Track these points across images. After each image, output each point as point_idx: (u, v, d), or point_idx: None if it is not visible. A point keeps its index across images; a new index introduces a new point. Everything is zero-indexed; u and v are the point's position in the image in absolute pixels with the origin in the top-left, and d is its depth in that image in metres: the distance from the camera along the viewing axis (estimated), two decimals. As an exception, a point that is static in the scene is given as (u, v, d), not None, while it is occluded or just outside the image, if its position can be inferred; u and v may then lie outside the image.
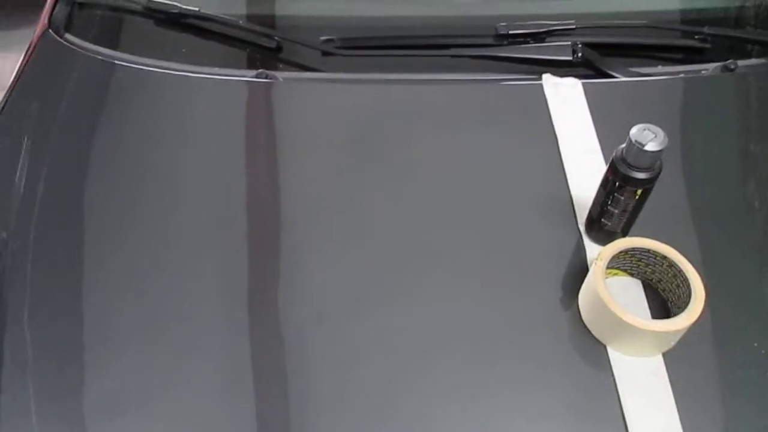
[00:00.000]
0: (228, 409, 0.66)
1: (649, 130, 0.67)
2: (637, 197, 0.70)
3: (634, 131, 0.67)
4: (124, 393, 0.66)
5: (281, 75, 0.95)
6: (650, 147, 0.66)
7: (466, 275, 0.75)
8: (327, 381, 0.68)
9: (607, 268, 0.70)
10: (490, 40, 0.98)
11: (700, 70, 0.97)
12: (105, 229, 0.79)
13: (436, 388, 0.67)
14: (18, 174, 0.83)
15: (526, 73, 0.95)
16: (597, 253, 0.71)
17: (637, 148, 0.66)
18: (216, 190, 0.83)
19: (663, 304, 0.73)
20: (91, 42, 0.99)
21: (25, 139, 0.88)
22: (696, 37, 1.02)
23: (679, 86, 0.96)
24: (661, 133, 0.66)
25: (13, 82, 0.97)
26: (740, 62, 0.97)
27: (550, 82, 0.92)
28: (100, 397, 0.66)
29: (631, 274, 0.75)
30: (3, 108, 0.93)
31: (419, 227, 0.79)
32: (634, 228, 0.75)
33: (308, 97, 0.93)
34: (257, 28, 1.00)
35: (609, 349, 0.69)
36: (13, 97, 0.94)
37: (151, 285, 0.74)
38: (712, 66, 0.97)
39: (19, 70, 0.99)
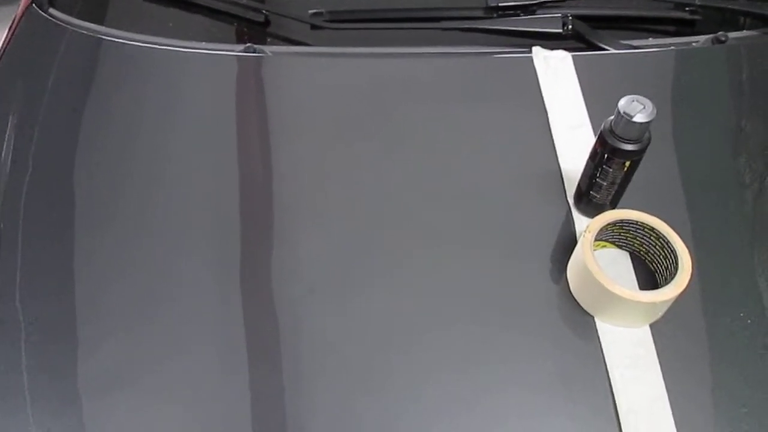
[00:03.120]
0: (220, 385, 0.66)
1: (637, 101, 0.66)
2: (625, 169, 0.70)
3: (622, 102, 0.67)
4: (116, 369, 0.67)
5: (269, 49, 0.94)
6: (639, 118, 0.66)
7: (456, 249, 0.75)
8: (319, 356, 0.68)
9: (596, 240, 0.70)
10: (480, 13, 0.98)
11: (690, 43, 0.97)
12: (95, 207, 0.79)
13: (426, 360, 0.68)
14: (3, 153, 0.83)
15: (516, 46, 0.95)
16: (585, 226, 0.71)
17: (625, 119, 0.66)
18: (205, 165, 0.82)
19: (651, 276, 0.73)
20: (76, 17, 0.97)
21: (10, 117, 0.87)
22: (687, 9, 1.01)
23: (669, 58, 0.96)
24: (649, 104, 0.66)
25: (-3, 57, 0.96)
26: (731, 34, 0.97)
27: (539, 55, 0.92)
28: (93, 374, 0.67)
29: (620, 247, 0.75)
30: (-13, 85, 0.92)
31: (409, 201, 0.79)
32: (622, 200, 0.75)
33: (297, 71, 0.92)
34: (245, 1, 0.99)
35: (597, 320, 0.69)
36: (-2, 74, 0.93)
37: (142, 262, 0.74)
38: (702, 38, 0.97)
39: (2, 46, 0.97)
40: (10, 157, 0.82)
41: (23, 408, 0.64)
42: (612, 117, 0.68)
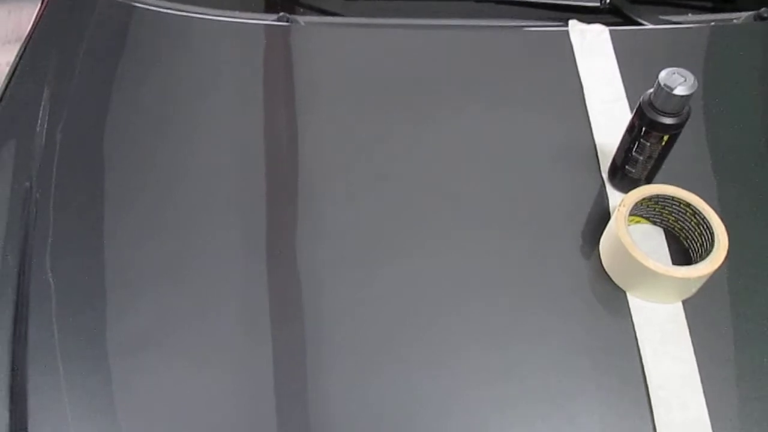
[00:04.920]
0: (246, 350, 0.67)
1: (678, 74, 0.65)
2: (663, 143, 0.69)
3: (663, 75, 0.66)
4: (145, 333, 0.68)
5: (302, 19, 0.93)
6: (679, 91, 0.64)
7: (489, 222, 0.75)
8: (345, 324, 0.68)
9: (630, 215, 0.69)
10: None
11: (731, 19, 0.95)
12: (126, 174, 0.80)
13: (455, 332, 0.68)
14: (39, 122, 0.83)
15: (552, 19, 0.93)
16: (620, 200, 0.70)
17: (665, 92, 0.65)
18: (237, 134, 0.83)
19: (685, 253, 0.72)
20: (108, -16, 0.98)
21: (46, 86, 0.88)
22: (728, -16, 0.99)
23: (709, 35, 0.93)
24: (690, 77, 0.65)
25: (31, 28, 0.96)
26: (773, 11, 0.95)
27: (576, 28, 0.90)
28: (122, 336, 0.68)
29: (654, 222, 0.74)
30: (22, 55, 0.92)
31: (440, 173, 0.79)
32: (657, 176, 0.74)
33: (329, 42, 0.92)
34: (278, -29, 0.99)
35: (629, 296, 0.69)
36: (32, 44, 0.94)
37: (171, 228, 0.75)
38: (744, 14, 0.95)
39: (36, 16, 0.98)
40: (45, 127, 0.83)
41: (55, 370, 0.65)
42: (651, 90, 0.67)
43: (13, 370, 0.66)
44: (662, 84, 0.65)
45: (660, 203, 0.71)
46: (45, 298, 0.70)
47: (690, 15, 0.95)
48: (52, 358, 0.66)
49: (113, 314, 0.69)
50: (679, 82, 0.65)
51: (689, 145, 0.72)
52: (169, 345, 0.67)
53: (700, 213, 0.69)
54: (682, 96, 0.65)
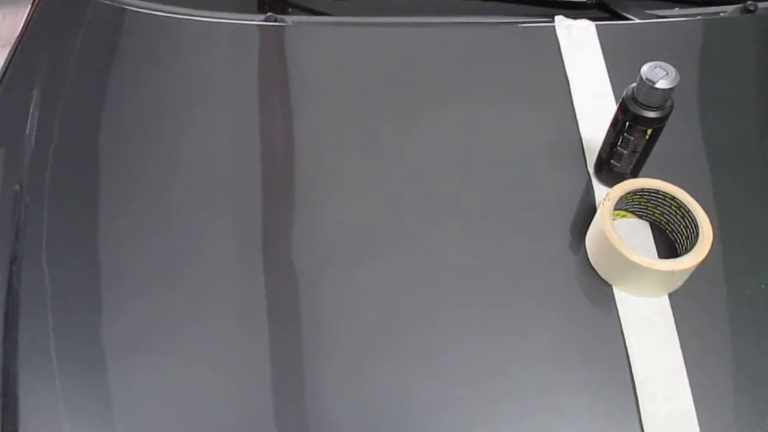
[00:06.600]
0: (240, 349, 0.67)
1: (660, 67, 0.65)
2: (647, 137, 0.69)
3: (645, 69, 0.66)
4: (139, 334, 0.68)
5: (291, 19, 0.94)
6: (661, 84, 0.65)
7: (476, 217, 0.76)
8: (338, 321, 0.69)
9: (615, 209, 0.70)
10: None
11: (718, 12, 0.95)
12: (117, 176, 0.80)
13: (445, 327, 0.68)
14: (29, 125, 0.84)
15: (539, 15, 0.94)
16: (605, 194, 0.70)
17: (648, 86, 0.65)
18: (227, 134, 0.83)
19: (671, 246, 0.72)
20: (99, -14, 0.98)
21: (36, 89, 0.88)
22: (715, -23, 0.99)
23: (696, 28, 0.94)
24: (672, 70, 0.65)
25: (21, 30, 0.97)
26: (760, 4, 0.95)
27: (562, 24, 0.91)
28: (116, 338, 0.68)
29: (639, 216, 0.74)
30: (12, 58, 0.93)
31: (429, 170, 0.79)
32: (643, 170, 0.74)
33: (318, 41, 0.92)
34: (266, -29, 0.99)
35: (615, 290, 0.69)
36: (22, 47, 0.94)
37: (165, 228, 0.75)
38: (731, 8, 0.95)
39: (27, 18, 0.98)
40: (35, 130, 0.83)
41: (47, 372, 0.66)
42: (634, 84, 0.67)
43: (4, 372, 0.66)
44: (644, 78, 0.65)
45: (645, 197, 0.72)
46: (36, 300, 0.70)
47: (676, 9, 0.96)
48: (44, 361, 0.66)
49: (106, 315, 0.69)
50: (661, 75, 0.65)
51: (675, 138, 0.73)
52: (164, 346, 0.67)
53: (685, 206, 0.69)
54: (664, 89, 0.65)
